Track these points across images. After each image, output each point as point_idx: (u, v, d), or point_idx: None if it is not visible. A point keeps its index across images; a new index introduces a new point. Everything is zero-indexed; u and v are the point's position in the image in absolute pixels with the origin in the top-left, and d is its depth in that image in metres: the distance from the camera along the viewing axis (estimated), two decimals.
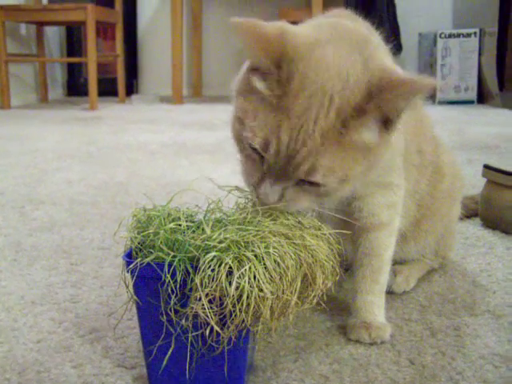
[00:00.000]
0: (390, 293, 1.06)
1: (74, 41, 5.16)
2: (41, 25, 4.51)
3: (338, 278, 0.78)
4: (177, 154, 2.47)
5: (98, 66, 4.18)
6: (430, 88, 0.70)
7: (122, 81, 4.64)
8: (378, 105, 0.71)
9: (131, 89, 5.23)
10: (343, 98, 0.71)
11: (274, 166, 0.74)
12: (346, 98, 0.71)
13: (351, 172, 0.74)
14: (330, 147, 0.72)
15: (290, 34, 0.74)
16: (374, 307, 0.94)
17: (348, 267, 1.08)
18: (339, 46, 0.75)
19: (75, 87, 5.23)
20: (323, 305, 0.77)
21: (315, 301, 0.75)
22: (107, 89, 4.86)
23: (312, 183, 0.74)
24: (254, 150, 0.74)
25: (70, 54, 5.16)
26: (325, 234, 0.77)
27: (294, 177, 0.74)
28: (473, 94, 4.41)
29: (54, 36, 5.10)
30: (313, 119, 0.71)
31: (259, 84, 0.73)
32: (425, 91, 0.70)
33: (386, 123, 0.74)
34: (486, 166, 1.48)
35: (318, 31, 0.78)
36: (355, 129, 0.72)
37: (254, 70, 0.75)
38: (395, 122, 0.74)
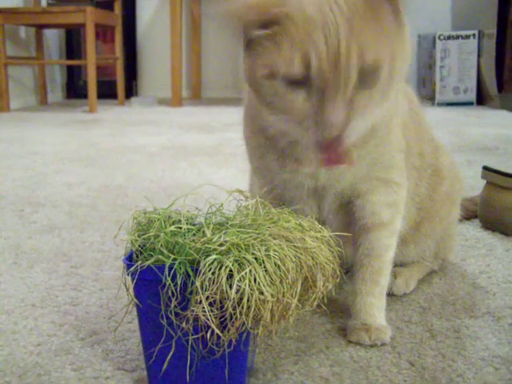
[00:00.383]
0: (390, 295, 1.06)
1: (73, 43, 5.16)
2: (40, 27, 4.51)
3: (338, 281, 0.78)
4: (176, 157, 2.47)
5: (98, 68, 4.19)
6: None
7: (122, 83, 4.64)
8: None
9: (130, 91, 5.24)
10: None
11: (325, 81, 0.70)
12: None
13: (393, 48, 0.73)
14: (363, 27, 0.70)
15: None
16: (374, 309, 0.94)
17: (348, 269, 1.08)
18: None
19: (74, 90, 5.23)
20: (324, 307, 0.77)
21: (316, 303, 0.76)
22: (106, 91, 4.87)
23: (370, 77, 0.71)
24: (297, 85, 0.72)
25: (70, 56, 5.17)
26: (325, 237, 0.77)
27: (350, 76, 0.70)
28: (472, 96, 4.41)
29: (53, 39, 5.10)
30: (330, 16, 0.69)
31: (266, 31, 0.72)
32: None
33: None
34: (486, 168, 1.48)
35: None
36: (383, 17, 0.72)
37: (245, 31, 0.75)
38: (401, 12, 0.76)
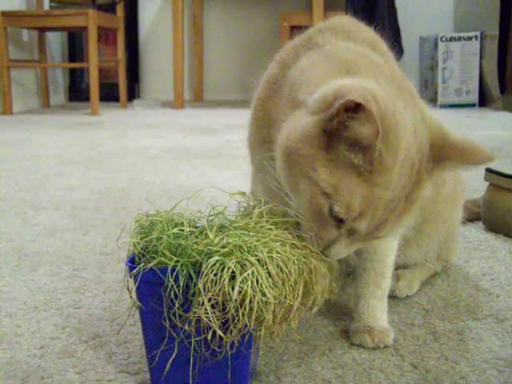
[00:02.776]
0: (392, 297, 1.06)
1: (75, 46, 5.17)
2: (42, 30, 4.52)
3: (336, 286, 0.80)
4: (178, 159, 2.47)
5: (100, 71, 4.19)
6: (488, 162, 0.75)
7: (124, 86, 4.65)
8: (442, 168, 0.75)
9: (133, 94, 5.24)
10: (420, 161, 0.73)
11: (357, 232, 0.74)
12: (421, 161, 0.73)
13: (411, 220, 0.78)
14: (408, 207, 0.74)
15: (380, 99, 0.69)
16: (376, 312, 0.94)
17: (350, 272, 1.07)
18: (403, 101, 0.74)
19: (77, 92, 5.24)
20: (324, 311, 0.77)
21: (316, 309, 0.76)
22: (109, 94, 4.87)
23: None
24: (337, 219, 0.73)
25: (72, 59, 5.17)
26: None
27: (373, 238, 0.75)
28: (474, 97, 4.41)
29: (55, 41, 5.11)
30: (402, 187, 0.72)
31: (356, 159, 0.70)
32: (484, 164, 0.75)
33: None
34: (488, 170, 1.48)
35: (381, 84, 0.75)
36: (425, 186, 0.75)
37: (335, 136, 0.71)
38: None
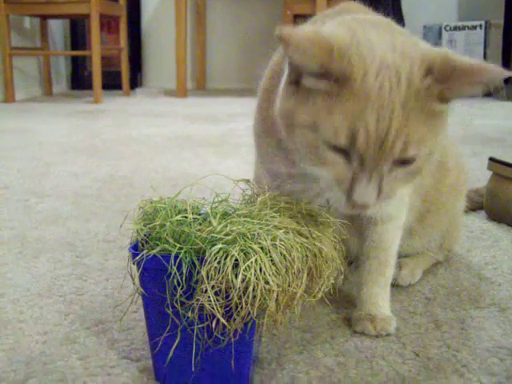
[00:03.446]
0: (395, 286, 1.06)
1: (78, 34, 5.15)
2: (45, 18, 4.50)
3: (343, 271, 0.79)
4: (181, 147, 2.47)
5: (102, 59, 4.18)
6: (500, 77, 0.70)
7: (126, 74, 4.64)
8: (449, 91, 0.71)
9: (135, 82, 5.23)
10: (407, 69, 0.70)
11: (365, 157, 0.70)
12: (410, 70, 0.70)
13: (434, 141, 0.73)
14: (414, 119, 0.70)
15: (327, 34, 0.70)
16: (379, 300, 0.94)
17: (353, 260, 1.07)
18: (375, 31, 0.74)
19: (79, 80, 5.23)
20: (327, 299, 0.77)
21: (320, 295, 0.76)
22: (111, 82, 4.86)
23: (405, 162, 0.72)
24: (338, 151, 0.71)
25: (74, 47, 5.16)
26: (329, 219, 0.78)
27: (389, 159, 0.70)
28: None
29: (58, 29, 5.09)
30: (388, 97, 0.69)
31: (321, 84, 0.70)
32: (495, 80, 0.71)
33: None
34: (492, 159, 1.48)
35: (350, 26, 0.75)
36: (430, 98, 0.71)
37: (299, 76, 0.72)
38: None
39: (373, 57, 0.70)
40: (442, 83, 0.70)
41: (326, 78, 0.69)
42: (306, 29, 0.72)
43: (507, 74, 0.70)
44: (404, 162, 0.71)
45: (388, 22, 0.80)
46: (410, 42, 0.74)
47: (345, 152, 0.71)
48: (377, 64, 0.69)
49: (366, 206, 0.72)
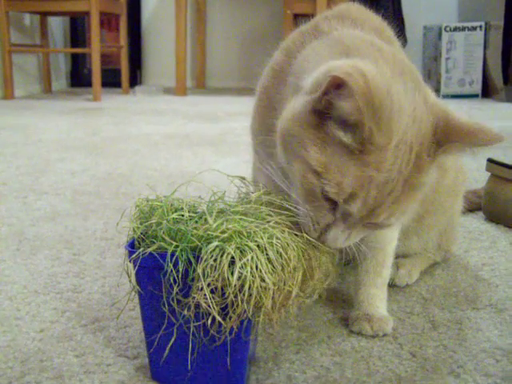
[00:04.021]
0: (392, 286, 1.06)
1: (77, 31, 5.15)
2: (45, 15, 4.50)
3: (336, 274, 0.79)
4: (180, 146, 2.47)
5: (102, 56, 4.18)
6: (496, 142, 0.71)
7: (126, 72, 4.63)
8: (446, 151, 0.73)
9: (135, 80, 5.22)
10: (419, 144, 0.71)
11: (351, 216, 0.72)
12: (421, 145, 0.72)
13: (413, 208, 0.76)
14: (408, 192, 0.72)
15: (370, 77, 0.67)
16: (376, 300, 0.94)
17: (350, 261, 1.07)
18: (403, 84, 0.73)
19: (79, 78, 5.22)
20: (324, 299, 0.77)
21: (316, 296, 0.76)
22: (111, 80, 4.86)
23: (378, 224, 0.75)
24: (329, 200, 0.72)
25: (74, 44, 5.15)
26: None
27: (369, 222, 0.74)
28: (477, 88, 4.39)
29: (57, 26, 5.09)
30: (398, 170, 0.70)
31: (346, 137, 0.69)
32: (491, 145, 0.72)
33: None
34: (490, 160, 1.48)
35: (379, 66, 0.74)
36: (427, 172, 0.73)
37: (327, 115, 0.71)
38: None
39: (398, 127, 0.69)
40: (441, 146, 0.73)
41: (354, 130, 0.68)
42: (357, 70, 0.67)
43: (502, 139, 0.72)
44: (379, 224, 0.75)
45: (409, 67, 0.79)
46: (423, 100, 0.74)
47: (335, 203, 0.72)
48: (399, 137, 0.69)
49: (331, 246, 0.76)
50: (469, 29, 4.33)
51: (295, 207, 0.76)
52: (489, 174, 1.50)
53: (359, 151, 0.69)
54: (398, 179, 0.70)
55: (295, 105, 0.74)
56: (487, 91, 4.41)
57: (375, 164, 0.69)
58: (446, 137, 0.72)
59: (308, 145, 0.71)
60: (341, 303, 1.01)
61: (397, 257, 1.07)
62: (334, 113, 0.70)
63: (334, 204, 0.72)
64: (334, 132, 0.70)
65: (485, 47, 4.35)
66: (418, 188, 0.73)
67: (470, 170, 1.86)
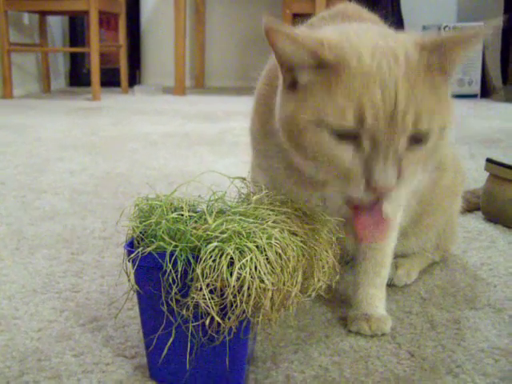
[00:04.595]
0: (391, 286, 1.06)
1: (76, 31, 5.14)
2: (44, 14, 4.49)
3: (337, 277, 0.79)
4: (179, 145, 2.47)
5: (101, 56, 4.17)
6: (485, 36, 0.70)
7: (125, 71, 4.63)
8: (439, 58, 0.71)
9: (134, 79, 5.22)
10: (403, 50, 0.70)
11: (377, 135, 0.68)
12: (406, 51, 0.70)
13: (446, 114, 0.72)
14: (420, 89, 0.69)
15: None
16: (375, 300, 0.94)
17: (349, 260, 1.07)
18: (369, 27, 0.76)
19: (78, 77, 5.22)
20: (325, 297, 0.77)
21: (314, 295, 0.76)
22: (110, 79, 4.85)
23: (419, 140, 0.70)
24: (347, 139, 0.69)
25: (73, 43, 5.15)
26: (325, 217, 0.78)
27: (403, 134, 0.68)
28: (476, 88, 4.39)
29: (56, 26, 5.08)
30: (388, 72, 0.68)
31: (316, 76, 0.70)
32: (482, 38, 0.71)
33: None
34: (489, 160, 1.48)
35: (341, 30, 0.76)
36: (429, 70, 0.71)
37: (294, 78, 0.73)
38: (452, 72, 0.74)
39: (365, 43, 0.71)
40: (438, 55, 0.71)
41: (321, 68, 0.70)
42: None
43: (486, 31, 0.71)
44: (418, 139, 0.70)
45: (379, 25, 0.81)
46: (398, 33, 0.76)
47: (355, 138, 0.69)
48: (370, 48, 0.70)
49: (388, 187, 0.68)
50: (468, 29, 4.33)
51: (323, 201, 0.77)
52: (487, 173, 1.50)
53: (337, 76, 0.69)
54: (395, 76, 0.68)
55: (277, 97, 0.78)
56: (486, 91, 4.41)
57: (359, 75, 0.68)
58: (439, 48, 0.70)
59: (297, 111, 0.72)
60: (339, 303, 1.01)
61: (395, 257, 1.07)
62: (294, 68, 0.72)
63: (356, 143, 0.69)
64: (306, 81, 0.72)
65: (484, 47, 4.35)
66: (432, 85, 0.70)
67: (468, 170, 1.86)
